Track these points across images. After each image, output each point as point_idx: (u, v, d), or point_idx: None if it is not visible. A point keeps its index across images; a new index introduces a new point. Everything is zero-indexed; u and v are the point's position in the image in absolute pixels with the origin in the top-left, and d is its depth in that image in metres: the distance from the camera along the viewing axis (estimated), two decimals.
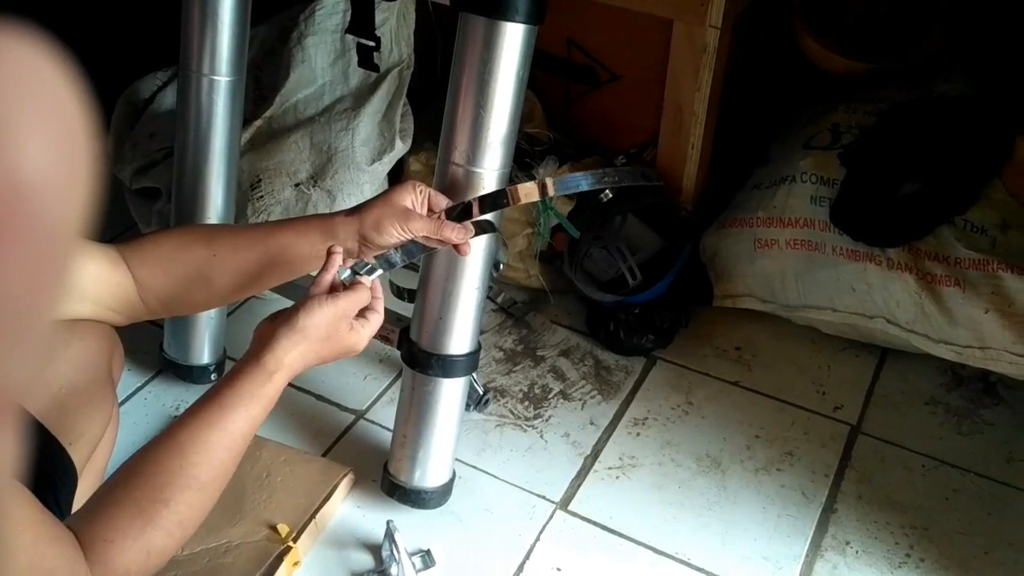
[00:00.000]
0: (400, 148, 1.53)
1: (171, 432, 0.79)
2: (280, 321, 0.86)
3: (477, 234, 1.04)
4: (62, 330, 0.91)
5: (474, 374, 1.34)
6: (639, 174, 1.13)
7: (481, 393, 1.39)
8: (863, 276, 1.40)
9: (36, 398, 0.88)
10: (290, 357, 0.84)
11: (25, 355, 0.23)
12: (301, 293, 1.29)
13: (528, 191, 1.00)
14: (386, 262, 0.95)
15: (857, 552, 1.23)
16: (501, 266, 1.21)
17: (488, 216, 1.04)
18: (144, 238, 0.98)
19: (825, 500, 1.30)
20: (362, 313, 0.91)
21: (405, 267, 1.02)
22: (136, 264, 0.94)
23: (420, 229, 0.96)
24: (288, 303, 1.46)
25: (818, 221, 1.43)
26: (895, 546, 1.24)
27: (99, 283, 0.91)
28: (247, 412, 0.81)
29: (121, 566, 0.72)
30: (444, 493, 1.24)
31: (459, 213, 1.01)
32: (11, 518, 0.61)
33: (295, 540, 1.16)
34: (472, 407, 1.40)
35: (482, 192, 1.04)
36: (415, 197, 0.99)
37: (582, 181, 1.03)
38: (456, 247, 0.99)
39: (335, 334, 0.87)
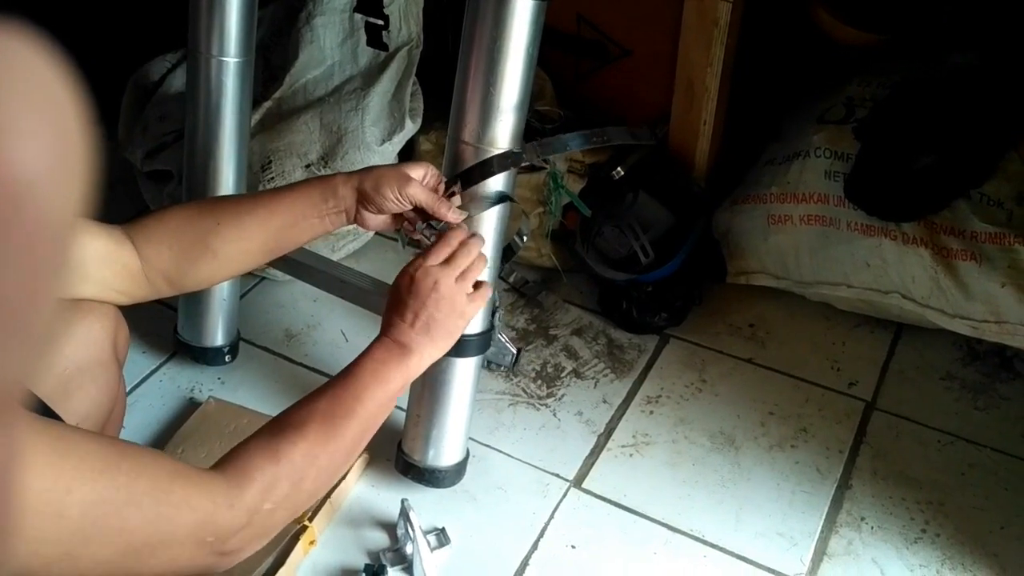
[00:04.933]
0: (410, 127, 1.53)
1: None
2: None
3: (495, 203, 1.04)
4: (65, 312, 0.92)
5: (502, 335, 1.34)
6: (628, 133, 1.12)
7: (514, 352, 1.38)
8: (878, 251, 1.39)
9: (41, 379, 0.88)
10: (399, 331, 0.93)
11: (25, 350, 0.24)
12: (311, 273, 1.29)
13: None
14: (473, 208, 1.03)
15: (872, 528, 1.23)
16: (525, 237, 1.20)
17: (503, 189, 1.05)
18: (149, 216, 0.98)
19: (840, 476, 1.29)
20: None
21: None
22: (142, 242, 0.94)
23: (416, 195, 0.98)
24: (299, 284, 1.47)
25: (832, 196, 1.42)
26: (911, 521, 1.24)
27: (104, 263, 0.91)
28: (377, 377, 0.90)
29: (254, 470, 0.77)
30: (458, 472, 1.24)
31: (452, 189, 1.02)
32: (117, 469, 0.66)
33: (311, 519, 1.17)
34: (508, 367, 1.40)
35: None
36: (424, 173, 1.01)
37: (570, 142, 1.03)
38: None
39: (442, 297, 0.94)
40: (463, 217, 1.01)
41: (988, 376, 1.44)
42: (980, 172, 1.36)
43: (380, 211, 0.99)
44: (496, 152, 1.03)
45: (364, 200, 0.98)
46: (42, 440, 0.62)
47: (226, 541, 0.74)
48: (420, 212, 1.01)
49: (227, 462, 0.77)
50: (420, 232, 1.01)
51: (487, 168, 1.02)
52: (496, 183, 1.05)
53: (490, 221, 1.07)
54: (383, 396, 0.89)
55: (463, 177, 1.03)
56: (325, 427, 0.82)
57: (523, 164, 1.03)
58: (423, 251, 0.97)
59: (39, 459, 0.61)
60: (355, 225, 1.03)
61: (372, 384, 0.88)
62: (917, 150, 1.39)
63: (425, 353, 0.93)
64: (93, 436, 0.68)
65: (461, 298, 0.95)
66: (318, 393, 0.87)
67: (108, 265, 0.92)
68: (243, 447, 0.79)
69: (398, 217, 1.02)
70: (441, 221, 1.00)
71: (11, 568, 0.61)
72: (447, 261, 0.95)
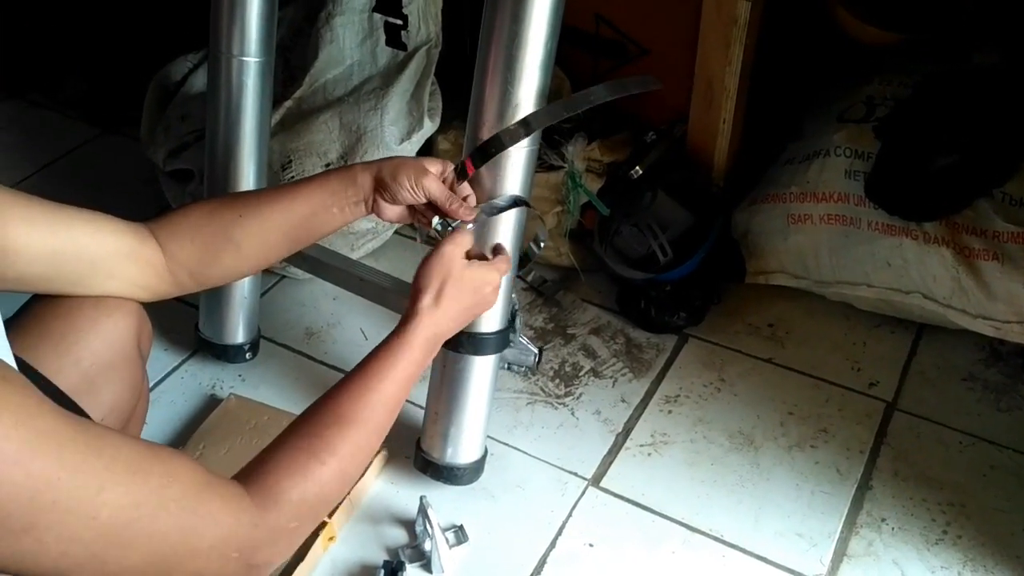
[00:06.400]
0: (429, 127, 1.53)
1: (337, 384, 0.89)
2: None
3: (509, 207, 1.04)
4: (90, 307, 0.93)
5: (523, 336, 1.33)
6: (630, 83, 1.09)
7: (536, 352, 1.38)
8: (899, 251, 1.38)
9: (66, 375, 0.89)
10: (421, 305, 0.93)
11: None
12: (331, 271, 1.30)
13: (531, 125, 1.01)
14: (486, 210, 1.03)
15: (893, 529, 1.22)
16: (542, 244, 1.21)
17: (519, 193, 1.05)
18: (172, 212, 0.99)
19: (860, 477, 1.29)
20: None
21: None
22: (166, 237, 0.95)
23: (430, 188, 0.98)
24: (319, 282, 1.48)
25: (853, 195, 1.41)
26: (931, 523, 1.23)
27: (128, 260, 0.92)
28: (389, 362, 0.90)
29: (282, 493, 0.76)
30: (476, 470, 1.25)
31: (461, 170, 1.02)
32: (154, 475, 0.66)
33: (330, 516, 1.17)
34: (531, 368, 1.41)
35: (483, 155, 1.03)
36: (441, 169, 1.01)
37: (564, 109, 1.01)
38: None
39: (452, 275, 0.95)
40: (475, 215, 1.01)
41: (1011, 377, 1.43)
42: (1002, 171, 1.35)
43: (395, 200, 0.99)
44: (508, 127, 1.02)
45: (381, 188, 0.99)
46: (78, 437, 0.62)
47: (252, 556, 0.73)
48: (433, 208, 1.01)
49: (255, 477, 0.76)
50: (434, 228, 1.01)
51: (498, 143, 1.01)
52: (512, 187, 1.05)
53: (505, 225, 1.07)
54: (401, 376, 0.89)
55: (478, 154, 1.02)
56: (352, 435, 0.82)
57: (545, 125, 1.02)
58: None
59: (75, 456, 0.60)
60: (375, 222, 1.03)
61: (383, 370, 0.88)
62: (938, 149, 1.38)
63: (430, 317, 0.93)
64: (127, 437, 0.68)
65: (469, 272, 0.97)
66: (338, 390, 0.86)
67: (132, 261, 0.93)
68: (271, 462, 0.78)
69: (414, 211, 1.03)
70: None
71: (42, 567, 0.62)
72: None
